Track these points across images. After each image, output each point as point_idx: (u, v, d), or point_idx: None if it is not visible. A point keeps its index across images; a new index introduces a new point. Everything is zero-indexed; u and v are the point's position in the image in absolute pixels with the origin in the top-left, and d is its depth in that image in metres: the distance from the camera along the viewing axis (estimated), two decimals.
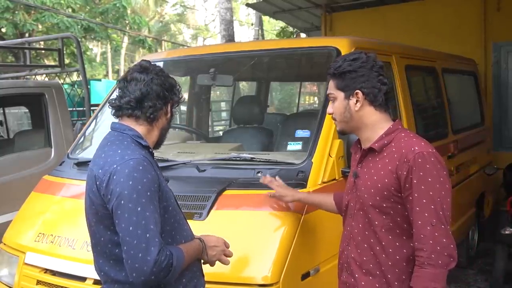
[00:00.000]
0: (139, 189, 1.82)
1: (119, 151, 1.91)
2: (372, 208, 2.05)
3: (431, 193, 1.92)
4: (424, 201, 1.92)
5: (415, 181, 1.93)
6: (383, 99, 2.09)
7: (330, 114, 2.19)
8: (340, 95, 2.10)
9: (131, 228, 1.80)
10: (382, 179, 2.01)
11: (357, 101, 2.07)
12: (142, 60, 2.13)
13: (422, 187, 1.92)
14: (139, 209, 1.80)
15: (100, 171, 1.91)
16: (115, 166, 1.86)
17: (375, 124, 2.09)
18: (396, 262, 2.02)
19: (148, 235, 1.79)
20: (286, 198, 2.57)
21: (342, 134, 2.29)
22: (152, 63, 2.10)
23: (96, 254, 2.05)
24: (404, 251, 2.01)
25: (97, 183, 1.90)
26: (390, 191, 1.99)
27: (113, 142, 1.98)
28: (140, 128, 2.02)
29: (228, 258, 2.20)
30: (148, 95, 1.99)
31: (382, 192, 2.01)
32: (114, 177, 1.85)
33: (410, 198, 1.95)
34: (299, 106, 10.03)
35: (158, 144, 2.12)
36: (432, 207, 1.91)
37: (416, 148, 1.97)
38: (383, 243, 2.03)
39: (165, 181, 2.07)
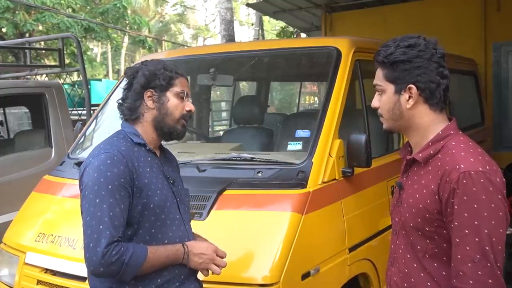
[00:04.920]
0: (101, 182, 1.86)
1: (102, 146, 1.99)
2: (414, 230, 1.74)
3: (476, 222, 1.56)
4: (466, 231, 1.57)
5: (456, 207, 1.59)
6: (441, 96, 1.75)
7: (375, 108, 1.85)
8: (390, 88, 1.76)
9: (88, 219, 1.86)
10: (424, 199, 1.69)
11: (409, 97, 1.73)
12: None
13: (465, 214, 1.57)
14: (97, 200, 1.85)
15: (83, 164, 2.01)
16: (90, 159, 1.95)
17: (427, 127, 1.75)
18: None
19: (101, 226, 1.82)
20: None
21: (389, 133, 1.95)
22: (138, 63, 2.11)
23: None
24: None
25: (79, 175, 1.99)
26: (433, 214, 1.67)
27: (108, 137, 2.05)
28: (136, 126, 2.06)
29: (225, 260, 2.08)
30: (126, 99, 2.06)
31: (424, 215, 1.69)
32: (86, 169, 1.93)
33: (451, 225, 1.62)
34: (299, 106, 10.03)
35: (168, 134, 2.08)
36: (477, 239, 1.56)
37: (462, 165, 1.60)
38: (427, 271, 1.73)
39: (166, 179, 2.06)
